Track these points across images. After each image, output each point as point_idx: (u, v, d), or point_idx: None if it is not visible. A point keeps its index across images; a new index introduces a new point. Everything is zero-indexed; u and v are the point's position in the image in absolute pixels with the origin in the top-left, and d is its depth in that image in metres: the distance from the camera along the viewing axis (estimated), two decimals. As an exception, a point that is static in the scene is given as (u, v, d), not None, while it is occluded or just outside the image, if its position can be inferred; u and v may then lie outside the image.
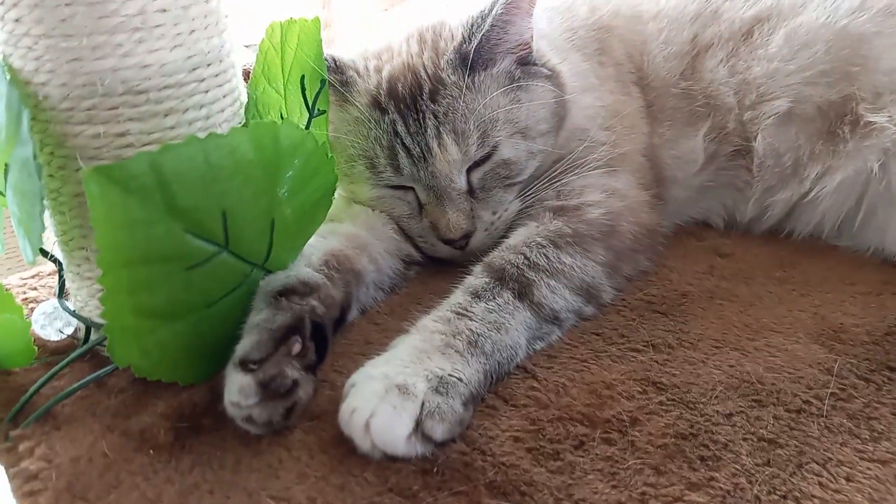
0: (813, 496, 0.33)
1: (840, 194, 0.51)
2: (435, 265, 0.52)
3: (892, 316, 0.45)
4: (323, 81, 0.47)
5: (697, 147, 0.53)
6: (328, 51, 0.48)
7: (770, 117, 0.51)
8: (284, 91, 0.47)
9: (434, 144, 0.46)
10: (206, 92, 0.41)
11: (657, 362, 0.42)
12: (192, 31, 0.40)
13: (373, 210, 0.50)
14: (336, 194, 0.45)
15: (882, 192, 0.49)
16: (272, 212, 0.40)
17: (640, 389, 0.39)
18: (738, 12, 0.54)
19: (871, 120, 0.48)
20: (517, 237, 0.46)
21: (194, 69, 0.41)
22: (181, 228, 0.37)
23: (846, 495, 0.33)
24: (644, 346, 0.43)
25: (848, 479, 0.34)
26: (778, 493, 0.33)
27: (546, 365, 0.42)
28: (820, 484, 0.34)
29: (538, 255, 0.44)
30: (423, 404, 0.35)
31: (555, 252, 0.45)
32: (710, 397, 0.39)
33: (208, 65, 0.41)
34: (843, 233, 0.53)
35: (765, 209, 0.53)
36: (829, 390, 0.39)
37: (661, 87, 0.55)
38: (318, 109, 0.46)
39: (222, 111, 0.43)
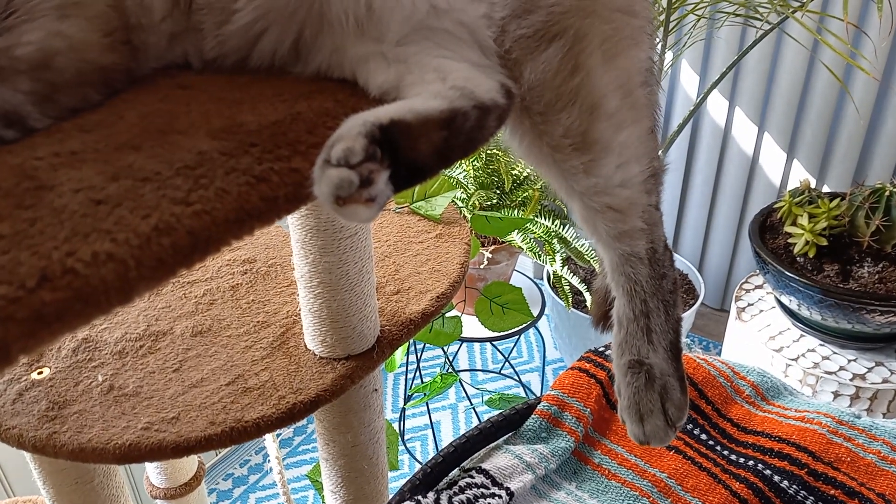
0: (103, 230, 0.39)
1: (271, 21, 0.57)
2: None
3: (291, 111, 0.52)
4: None
5: None
6: None
7: None
8: None
9: None
10: None
11: (51, 165, 0.46)
12: None
13: None
14: None
15: (300, 14, 0.56)
16: None
17: (14, 182, 0.43)
18: None
19: None
20: None
21: None
22: None
23: (135, 227, 0.39)
24: (48, 154, 0.47)
25: (145, 217, 0.40)
26: (79, 231, 0.39)
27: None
28: (116, 223, 0.39)
29: None
30: None
31: None
32: (75, 181, 0.43)
33: None
34: (296, 60, 0.59)
35: (223, 45, 0.59)
36: (185, 163, 0.45)
37: None
38: None
39: None
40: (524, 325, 1.63)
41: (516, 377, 2.12)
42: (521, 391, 2.16)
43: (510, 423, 0.99)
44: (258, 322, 1.07)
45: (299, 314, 1.03)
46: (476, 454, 0.96)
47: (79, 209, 0.40)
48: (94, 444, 0.87)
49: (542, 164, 0.57)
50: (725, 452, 0.97)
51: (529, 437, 0.98)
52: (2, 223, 0.39)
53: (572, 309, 1.89)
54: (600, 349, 1.07)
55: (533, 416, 1.00)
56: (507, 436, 0.99)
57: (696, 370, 1.05)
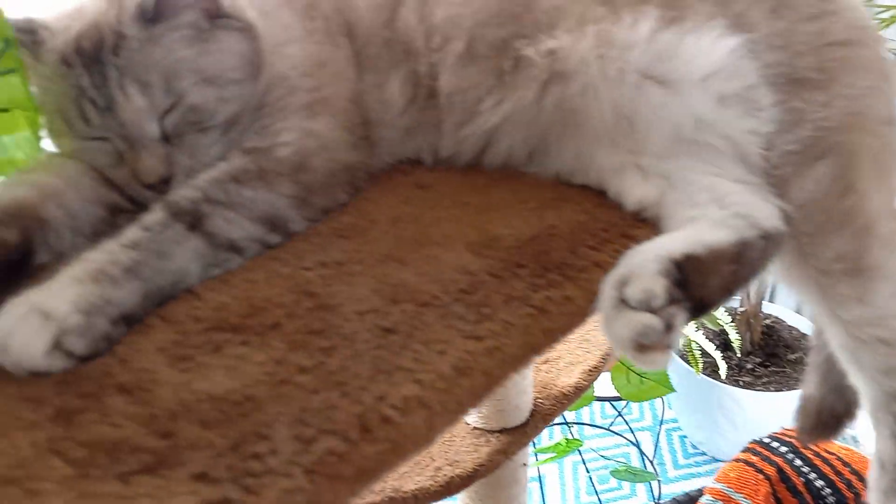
0: (405, 368, 0.38)
1: (515, 124, 0.56)
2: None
3: (544, 224, 0.50)
4: (6, 41, 0.49)
5: (396, 91, 0.58)
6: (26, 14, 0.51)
7: (452, 57, 0.56)
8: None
9: (118, 95, 0.49)
10: None
11: (322, 277, 0.45)
12: None
13: (78, 162, 0.53)
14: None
15: (547, 119, 0.55)
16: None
17: (293, 299, 0.43)
18: None
19: (525, 54, 0.54)
20: (203, 176, 0.49)
21: None
22: None
23: (435, 365, 0.38)
24: (315, 265, 0.47)
25: (441, 353, 0.39)
26: (381, 368, 0.38)
27: (215, 287, 0.45)
28: (415, 359, 0.38)
29: (216, 190, 0.48)
30: (63, 322, 0.38)
31: (235, 187, 0.48)
32: (353, 300, 0.43)
33: None
34: (530, 160, 0.58)
35: (460, 143, 0.58)
36: (459, 286, 0.44)
37: (366, 36, 0.59)
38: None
39: None
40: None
41: (631, 434, 2.05)
42: (631, 450, 2.09)
43: (671, 514, 0.94)
44: (411, 385, 1.06)
45: (451, 379, 1.02)
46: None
47: (371, 339, 0.39)
48: None
49: (804, 286, 0.54)
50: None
51: (692, 532, 0.93)
52: (299, 351, 0.39)
53: (701, 374, 1.81)
54: (765, 440, 1.01)
55: (695, 508, 0.95)
56: (667, 528, 0.94)
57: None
